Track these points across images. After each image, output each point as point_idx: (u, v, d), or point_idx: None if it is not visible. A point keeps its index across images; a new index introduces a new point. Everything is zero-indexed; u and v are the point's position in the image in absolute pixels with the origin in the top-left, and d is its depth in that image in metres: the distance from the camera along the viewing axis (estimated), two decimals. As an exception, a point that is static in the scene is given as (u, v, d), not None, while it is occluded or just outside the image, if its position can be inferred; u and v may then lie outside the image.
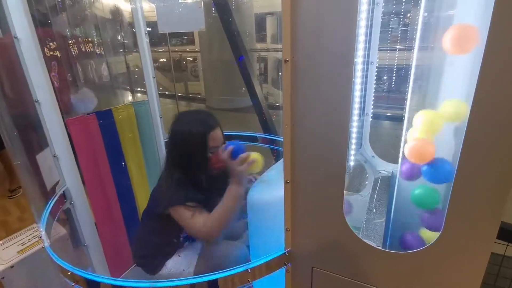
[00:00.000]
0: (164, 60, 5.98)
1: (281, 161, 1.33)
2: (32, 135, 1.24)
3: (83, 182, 1.44)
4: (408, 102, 0.85)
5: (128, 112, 1.65)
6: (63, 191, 1.36)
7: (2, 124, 1.12)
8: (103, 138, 1.53)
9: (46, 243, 1.04)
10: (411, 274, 0.76)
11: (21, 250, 1.25)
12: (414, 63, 0.84)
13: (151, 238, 1.32)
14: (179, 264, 1.34)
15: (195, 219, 1.15)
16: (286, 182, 0.84)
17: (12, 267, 1.19)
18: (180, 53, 7.89)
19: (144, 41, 1.67)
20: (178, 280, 0.82)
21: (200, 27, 1.76)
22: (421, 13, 0.80)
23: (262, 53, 7.17)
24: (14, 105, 1.22)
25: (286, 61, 0.71)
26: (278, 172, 1.22)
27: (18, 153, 1.15)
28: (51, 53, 1.42)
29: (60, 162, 1.35)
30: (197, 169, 1.21)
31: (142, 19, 1.65)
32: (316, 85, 0.71)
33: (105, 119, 1.53)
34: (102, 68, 1.64)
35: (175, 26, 1.76)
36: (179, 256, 1.36)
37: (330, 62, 0.68)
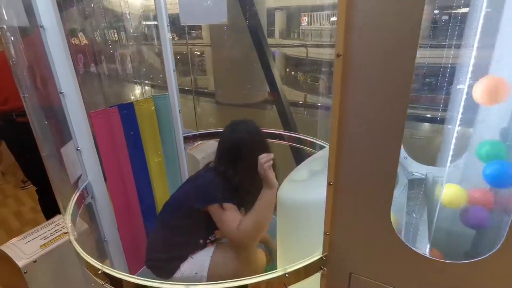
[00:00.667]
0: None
1: (310, 160, 1.30)
2: (57, 127, 1.22)
3: (104, 177, 1.41)
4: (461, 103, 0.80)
5: (148, 105, 1.61)
6: (85, 186, 1.34)
7: (33, 114, 1.10)
8: (124, 132, 1.50)
9: (73, 238, 1.01)
10: (466, 285, 0.72)
11: (44, 244, 1.23)
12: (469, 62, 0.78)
13: (174, 237, 1.29)
14: (192, 266, 1.30)
15: (233, 221, 1.15)
16: (329, 184, 0.79)
17: (35, 261, 1.16)
18: (190, 46, 7.86)
19: (166, 33, 1.63)
20: (216, 283, 0.79)
21: (222, 19, 1.71)
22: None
23: (272, 49, 7.14)
24: (41, 97, 1.19)
25: (338, 56, 0.67)
26: (308, 172, 1.18)
27: (46, 144, 1.13)
28: (77, 43, 1.39)
29: (83, 155, 1.32)
30: (247, 173, 1.22)
31: (165, 10, 1.60)
32: (370, 82, 0.66)
33: (127, 112, 1.50)
34: (126, 60, 1.60)
35: (197, 18, 1.72)
36: (191, 258, 1.33)
37: (388, 58, 0.63)
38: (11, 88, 1.64)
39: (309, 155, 1.90)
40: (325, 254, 0.89)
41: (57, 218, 1.41)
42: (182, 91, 1.72)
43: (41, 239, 1.25)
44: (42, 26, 1.12)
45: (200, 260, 1.31)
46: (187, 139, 1.91)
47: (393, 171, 0.71)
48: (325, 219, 0.84)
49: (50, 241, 1.24)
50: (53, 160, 1.16)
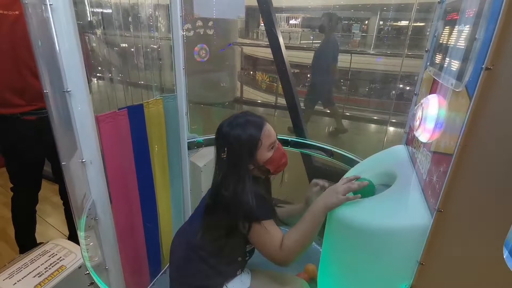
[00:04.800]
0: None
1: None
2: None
3: (109, 195, 1.17)
4: None
5: (157, 107, 1.38)
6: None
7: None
8: (132, 140, 1.26)
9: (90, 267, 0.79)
10: None
11: (40, 284, 0.95)
12: None
13: (207, 261, 1.10)
14: (237, 285, 1.14)
15: (275, 239, 0.99)
16: (438, 211, 0.71)
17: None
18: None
19: (179, 27, 1.41)
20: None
21: (240, 15, 1.58)
22: None
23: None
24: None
25: (488, 69, 0.58)
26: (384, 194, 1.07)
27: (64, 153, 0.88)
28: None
29: (88, 169, 1.07)
30: (260, 170, 1.08)
31: (180, 1, 1.39)
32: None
33: (136, 115, 1.26)
34: (137, 57, 1.35)
35: (212, 11, 1.53)
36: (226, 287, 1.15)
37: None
38: None
39: (318, 161, 1.82)
40: (412, 285, 0.80)
41: (49, 246, 1.12)
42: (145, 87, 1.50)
43: (35, 276, 0.96)
44: (51, 5, 0.86)
45: (242, 278, 1.15)
46: (191, 145, 1.71)
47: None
48: (425, 247, 0.75)
49: (46, 278, 0.97)
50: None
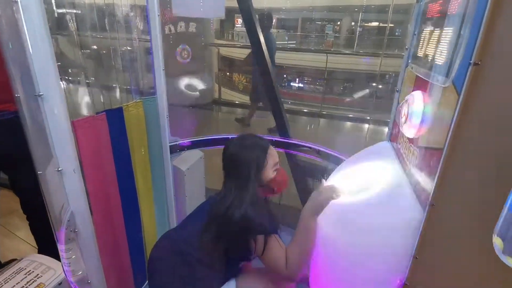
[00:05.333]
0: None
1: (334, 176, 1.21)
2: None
3: (90, 206, 1.10)
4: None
5: (137, 110, 1.33)
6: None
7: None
8: (112, 145, 1.20)
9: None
10: None
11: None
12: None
13: (207, 273, 1.07)
14: None
15: (281, 256, 1.02)
16: (431, 205, 0.72)
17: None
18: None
19: (157, 27, 1.36)
20: None
21: (220, 14, 1.53)
22: None
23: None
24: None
25: (476, 64, 0.59)
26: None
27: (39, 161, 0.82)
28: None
29: (65, 179, 1.00)
30: (264, 189, 1.13)
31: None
32: (503, 94, 0.60)
33: (115, 119, 1.20)
34: (115, 58, 1.28)
35: (191, 11, 1.49)
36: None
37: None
38: None
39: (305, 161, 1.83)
40: (408, 279, 0.81)
41: (24, 263, 1.03)
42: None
43: (10, 298, 0.88)
44: (16, 1, 0.80)
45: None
46: (173, 149, 1.65)
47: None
48: (418, 242, 0.76)
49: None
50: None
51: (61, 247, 0.95)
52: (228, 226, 1.01)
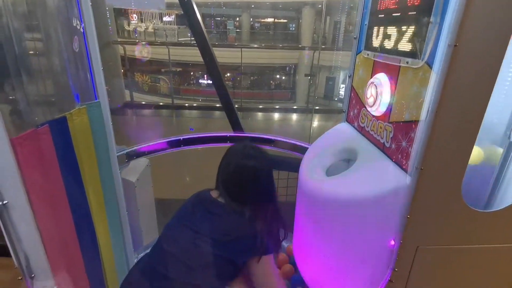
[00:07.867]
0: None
1: (311, 157, 1.28)
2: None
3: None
4: None
5: (82, 118, 1.11)
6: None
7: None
8: (58, 161, 0.98)
9: None
10: None
11: None
12: None
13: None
14: None
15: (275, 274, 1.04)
16: (420, 169, 0.83)
17: None
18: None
19: (91, 18, 1.16)
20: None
21: (160, 6, 1.46)
22: None
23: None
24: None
25: (454, 46, 0.71)
26: (322, 168, 1.17)
27: None
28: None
29: (10, 211, 0.78)
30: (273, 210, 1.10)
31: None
32: (475, 72, 0.74)
33: (60, 131, 0.99)
34: (50, 58, 1.01)
35: (130, 2, 1.33)
36: None
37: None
38: None
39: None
40: (402, 238, 0.93)
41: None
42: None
43: None
44: None
45: None
46: (120, 159, 1.45)
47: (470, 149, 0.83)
48: (411, 204, 0.87)
49: None
50: None
51: None
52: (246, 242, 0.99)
